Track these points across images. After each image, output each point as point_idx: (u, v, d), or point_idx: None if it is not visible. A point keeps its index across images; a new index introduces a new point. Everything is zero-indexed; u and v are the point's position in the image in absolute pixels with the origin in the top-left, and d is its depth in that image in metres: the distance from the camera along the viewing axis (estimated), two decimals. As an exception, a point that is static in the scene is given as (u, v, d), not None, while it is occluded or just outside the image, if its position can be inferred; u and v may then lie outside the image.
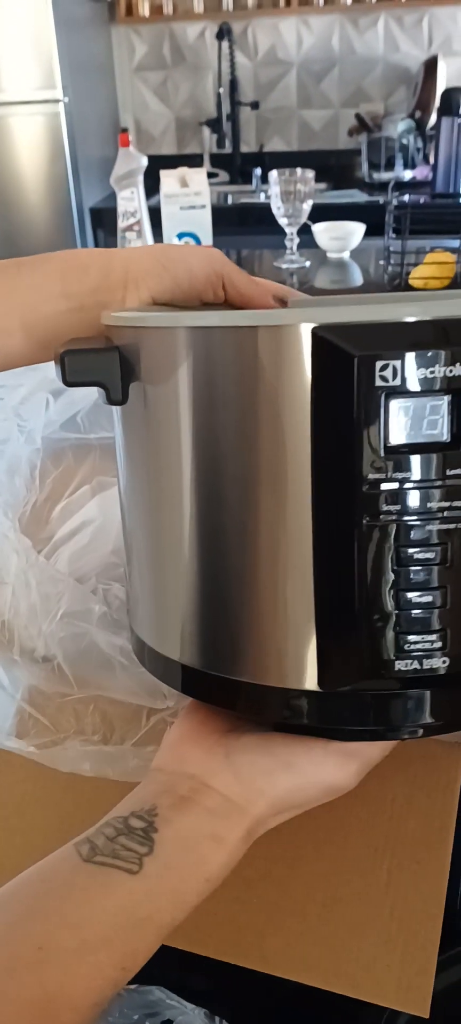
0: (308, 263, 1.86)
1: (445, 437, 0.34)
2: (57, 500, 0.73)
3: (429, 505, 0.35)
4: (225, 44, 2.75)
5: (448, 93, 2.40)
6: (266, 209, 1.91)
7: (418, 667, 0.37)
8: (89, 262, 0.48)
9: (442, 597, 0.36)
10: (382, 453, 0.34)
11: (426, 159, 2.74)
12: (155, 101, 3.12)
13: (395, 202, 1.65)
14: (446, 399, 0.33)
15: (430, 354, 0.33)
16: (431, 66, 2.66)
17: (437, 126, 2.40)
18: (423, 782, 0.51)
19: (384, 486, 0.34)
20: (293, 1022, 0.58)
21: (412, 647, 0.36)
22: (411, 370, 0.33)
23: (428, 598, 0.36)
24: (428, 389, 0.33)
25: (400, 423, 0.34)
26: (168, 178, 1.84)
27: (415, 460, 0.34)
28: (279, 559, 0.37)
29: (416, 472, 0.34)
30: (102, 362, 0.40)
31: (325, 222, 1.88)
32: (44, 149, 2.52)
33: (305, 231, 1.86)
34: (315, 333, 0.33)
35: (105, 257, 0.48)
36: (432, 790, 0.51)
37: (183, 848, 0.37)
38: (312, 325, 0.33)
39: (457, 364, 0.33)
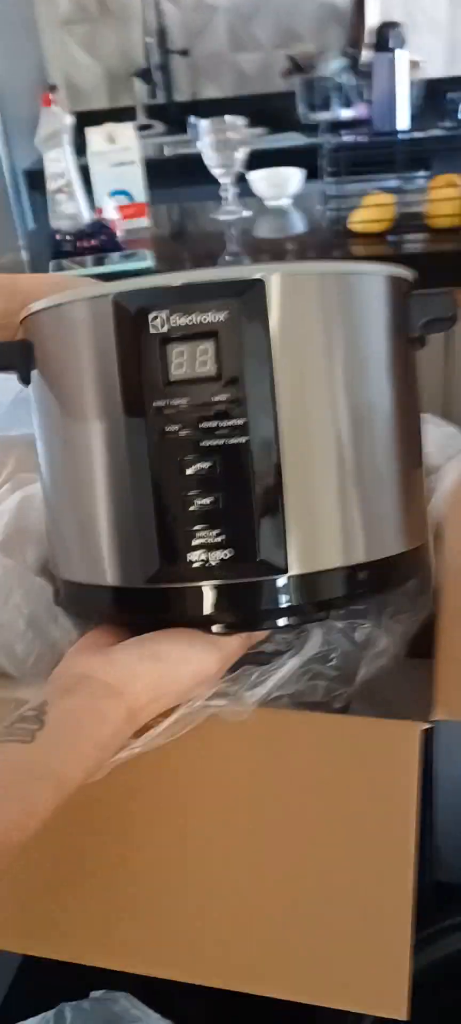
0: (247, 213, 1.80)
1: (211, 372, 0.44)
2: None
3: (201, 425, 0.45)
4: (150, -10, 2.64)
5: (380, 28, 2.34)
6: (203, 159, 1.84)
7: (205, 559, 0.45)
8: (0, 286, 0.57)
9: (219, 499, 0.45)
10: (162, 385, 0.45)
11: (362, 97, 2.67)
12: (83, 55, 2.99)
13: (330, 144, 1.59)
14: (206, 343, 0.44)
15: (189, 307, 0.44)
16: (360, 2, 2.59)
17: (371, 63, 2.34)
18: (380, 766, 0.48)
19: (166, 411, 0.45)
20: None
21: (199, 542, 0.45)
22: (173, 320, 0.44)
23: (207, 500, 0.45)
24: (189, 335, 0.44)
25: (172, 361, 0.44)
26: (95, 135, 1.76)
27: (185, 389, 0.45)
28: (112, 475, 0.48)
29: (188, 399, 0.45)
30: (12, 352, 0.51)
31: (261, 170, 1.81)
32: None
33: (242, 180, 1.80)
34: (114, 300, 0.45)
35: (10, 284, 0.58)
36: (390, 774, 0.48)
37: (69, 721, 0.44)
38: (112, 294, 0.45)
39: (211, 313, 0.44)
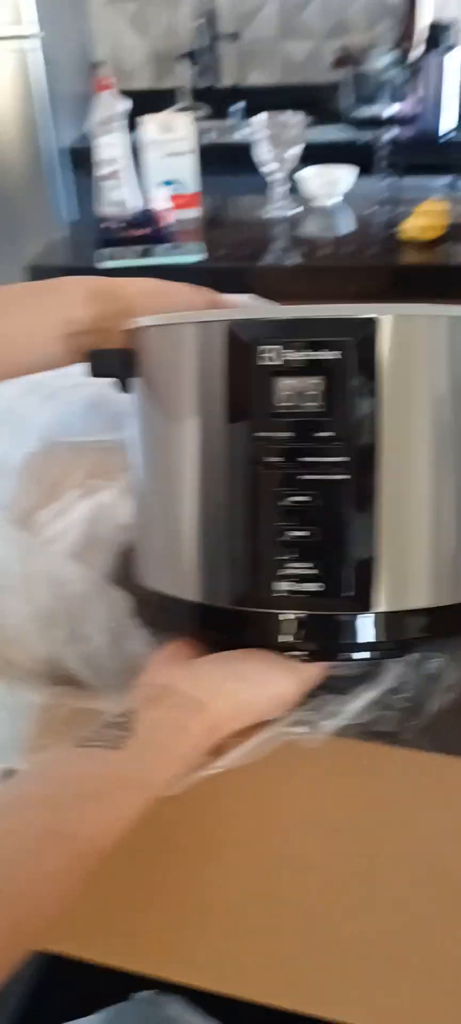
0: (299, 209, 1.80)
1: (319, 407, 0.45)
2: (47, 503, 0.70)
3: (302, 459, 0.46)
4: (203, -28, 2.62)
5: (435, 25, 2.31)
6: (248, 147, 1.84)
7: (293, 589, 0.47)
8: (100, 291, 0.58)
9: (315, 533, 0.46)
10: (267, 416, 0.46)
11: (411, 93, 2.65)
12: (130, 33, 2.98)
13: (385, 140, 1.58)
14: (315, 379, 0.45)
15: (296, 343, 0.45)
16: (415, -4, 2.56)
17: (424, 59, 2.32)
18: (456, 804, 0.50)
19: (269, 442, 0.46)
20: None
21: (288, 572, 0.47)
22: (284, 355, 0.45)
23: (303, 532, 0.46)
24: (299, 369, 0.45)
25: (280, 394, 0.46)
26: (150, 123, 1.76)
27: (290, 422, 0.46)
28: (208, 494, 0.49)
29: (291, 432, 0.46)
30: (115, 360, 0.54)
31: (313, 167, 1.81)
32: (14, 88, 2.40)
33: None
34: (230, 328, 0.47)
35: (111, 289, 0.59)
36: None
37: (156, 731, 0.45)
38: (228, 322, 0.47)
39: (324, 350, 0.45)
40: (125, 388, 0.54)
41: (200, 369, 0.49)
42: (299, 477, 0.46)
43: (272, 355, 0.45)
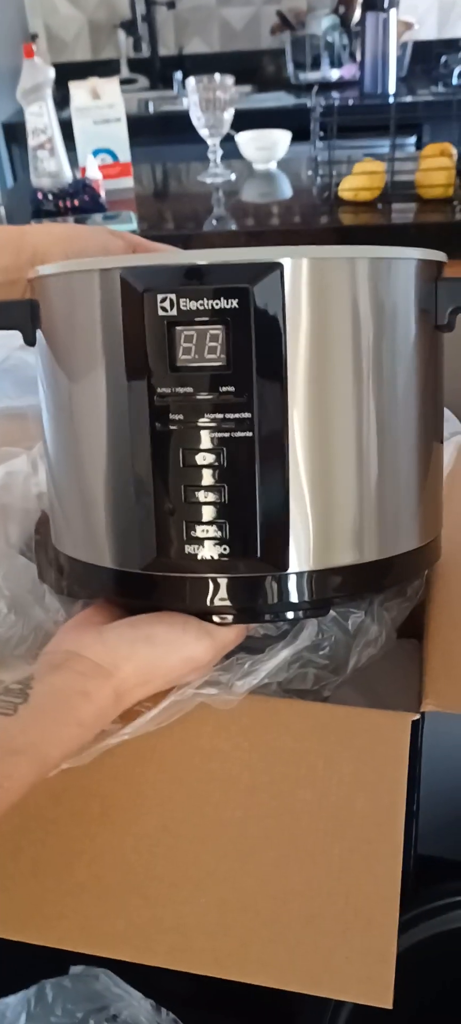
0: (233, 176, 1.77)
1: (220, 360, 0.42)
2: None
3: (206, 416, 0.43)
4: None
5: (373, -14, 2.29)
6: (189, 116, 1.81)
7: (203, 552, 0.44)
8: (6, 240, 0.55)
9: (220, 494, 0.43)
10: (168, 371, 0.42)
11: (352, 57, 2.63)
12: (65, 4, 2.91)
13: (321, 106, 1.56)
14: (215, 329, 0.41)
15: (195, 289, 0.41)
16: (353, -44, 2.54)
17: (362, 21, 2.30)
18: (370, 756, 0.48)
19: (170, 399, 0.43)
20: (239, 1003, 0.56)
21: (198, 535, 0.44)
22: (184, 303, 0.41)
23: (210, 495, 0.44)
24: (197, 319, 0.41)
25: (179, 346, 0.42)
26: (78, 90, 1.72)
27: (194, 378, 0.42)
28: (113, 454, 0.46)
29: (194, 388, 0.43)
30: (18, 311, 0.50)
31: (250, 131, 1.78)
32: None
33: (229, 139, 1.77)
34: (121, 276, 0.43)
35: (18, 237, 0.55)
36: (379, 764, 0.48)
37: (54, 698, 0.43)
38: (120, 268, 0.43)
39: (222, 299, 0.41)
40: (29, 340, 0.51)
41: (98, 321, 0.45)
42: (201, 435, 0.43)
43: (166, 304, 0.42)
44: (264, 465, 0.43)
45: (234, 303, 0.41)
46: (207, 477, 0.44)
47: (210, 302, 0.41)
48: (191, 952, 0.45)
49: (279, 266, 0.41)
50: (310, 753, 0.49)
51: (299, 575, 0.45)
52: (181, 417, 0.43)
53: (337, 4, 2.63)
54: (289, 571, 0.45)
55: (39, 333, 0.50)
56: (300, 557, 0.45)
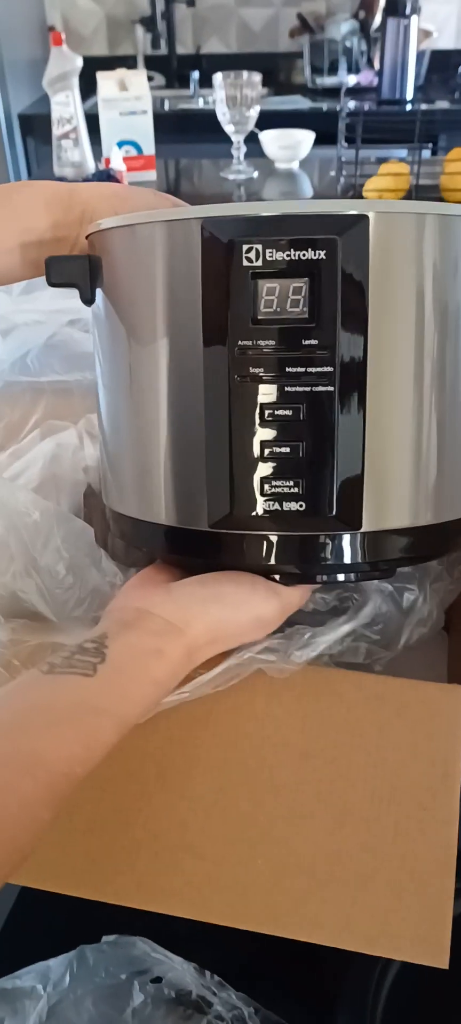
0: (256, 173, 1.78)
1: (303, 313, 0.41)
2: (4, 444, 0.68)
3: (287, 369, 0.42)
4: None
5: (394, -8, 2.31)
6: (206, 115, 1.82)
7: (278, 508, 0.44)
8: (56, 197, 0.54)
9: (298, 450, 0.43)
10: (249, 323, 0.42)
11: (370, 63, 2.65)
12: (84, -3, 2.92)
13: (346, 109, 1.58)
14: (303, 282, 0.41)
15: (284, 241, 0.41)
16: (375, -37, 2.56)
17: (382, 28, 2.32)
18: (424, 727, 0.49)
19: (251, 351, 0.42)
20: (277, 972, 0.57)
21: (273, 491, 0.44)
22: (270, 253, 0.41)
23: (287, 450, 0.43)
24: (282, 271, 0.41)
25: (262, 298, 0.42)
26: (106, 81, 1.73)
27: (276, 331, 0.42)
28: (184, 411, 0.45)
29: (275, 340, 0.42)
30: (75, 267, 0.49)
31: (273, 130, 1.80)
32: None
33: (249, 139, 1.78)
34: (203, 226, 0.42)
35: (67, 194, 0.54)
36: (434, 735, 0.49)
37: (130, 656, 0.43)
38: (201, 218, 0.42)
39: (309, 250, 0.40)
40: (87, 298, 0.50)
41: (171, 274, 0.44)
42: (281, 389, 0.42)
43: (252, 255, 0.41)
44: (344, 421, 0.43)
45: (321, 254, 0.41)
46: (286, 432, 0.43)
47: (297, 252, 0.41)
48: (247, 910, 0.46)
49: (365, 219, 0.41)
50: (363, 722, 0.50)
51: (367, 535, 0.45)
52: (261, 371, 0.42)
53: (358, 9, 2.65)
54: (358, 530, 0.45)
55: (99, 291, 0.49)
56: (368, 517, 0.45)
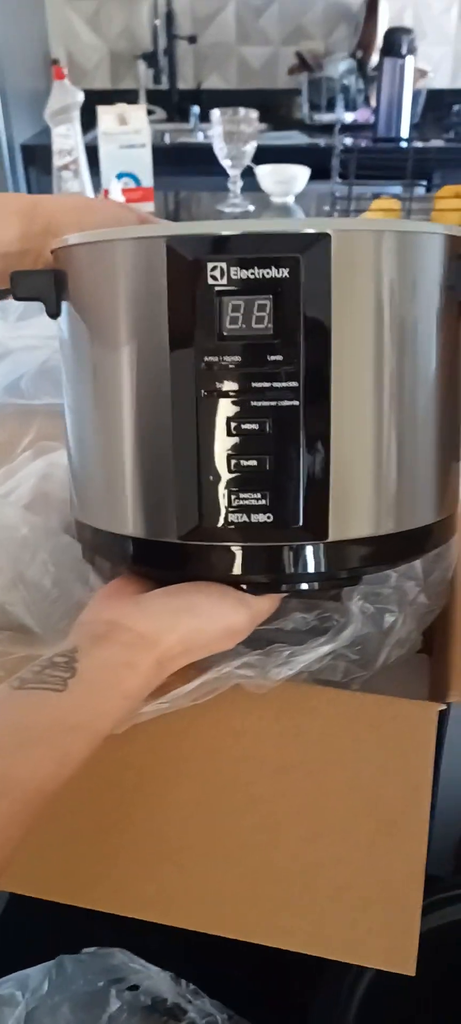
0: (252, 207, 1.82)
1: (267, 330, 0.43)
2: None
3: (253, 385, 0.43)
4: (161, -27, 2.65)
5: (391, 33, 2.37)
6: (205, 149, 1.86)
7: (245, 520, 0.45)
8: (21, 209, 0.54)
9: (265, 462, 0.44)
10: (215, 340, 0.43)
11: (367, 101, 2.70)
12: (87, 32, 2.98)
13: (341, 146, 1.62)
14: (267, 299, 0.42)
15: (248, 259, 0.42)
16: (373, 4, 2.62)
17: (379, 67, 2.37)
18: (397, 743, 0.51)
19: (217, 368, 0.43)
20: (251, 980, 0.58)
21: (240, 503, 0.45)
22: (234, 272, 0.42)
23: (254, 463, 0.44)
24: (247, 288, 0.42)
25: (227, 315, 0.43)
26: (106, 115, 1.77)
27: (241, 347, 0.43)
28: (151, 426, 0.47)
29: (242, 357, 0.43)
30: (41, 281, 0.49)
31: (269, 164, 1.83)
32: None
33: (247, 173, 1.82)
34: (168, 244, 0.43)
35: (31, 207, 0.55)
36: (406, 751, 0.50)
37: (101, 670, 0.44)
38: (166, 236, 0.43)
39: (272, 268, 0.42)
40: (53, 312, 0.50)
41: (136, 290, 0.45)
42: (247, 404, 0.44)
43: (217, 273, 0.42)
44: (309, 434, 0.44)
45: (284, 272, 0.42)
46: (252, 445, 0.44)
47: (261, 271, 0.42)
48: (222, 917, 0.47)
49: (327, 237, 0.42)
50: (340, 737, 0.51)
51: (331, 545, 0.46)
52: (227, 386, 0.44)
53: (355, 48, 2.71)
54: (324, 539, 0.46)
55: (65, 304, 0.50)
56: (337, 527, 0.46)
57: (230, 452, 0.45)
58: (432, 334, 0.48)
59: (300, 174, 1.81)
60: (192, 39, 2.87)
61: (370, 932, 0.45)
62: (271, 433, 0.44)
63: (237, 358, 0.44)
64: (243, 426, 0.44)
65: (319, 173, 1.89)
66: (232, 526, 0.46)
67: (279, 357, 0.43)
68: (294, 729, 0.51)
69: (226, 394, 0.44)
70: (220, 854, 0.48)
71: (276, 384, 0.43)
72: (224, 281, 0.42)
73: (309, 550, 0.47)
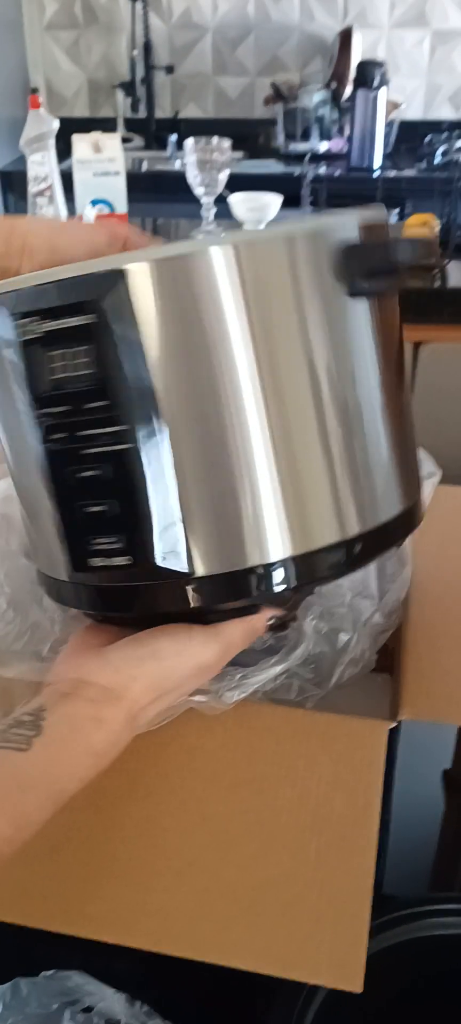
0: (224, 234, 1.84)
1: (90, 375, 0.41)
2: None
3: (80, 433, 0.43)
4: (139, 5, 2.68)
5: (363, 65, 2.41)
6: (181, 177, 1.88)
7: (107, 563, 0.44)
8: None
9: (113, 506, 0.44)
10: (41, 393, 0.43)
11: (341, 131, 2.75)
12: (67, 61, 3.01)
13: (311, 175, 1.64)
14: (82, 346, 0.41)
15: (55, 308, 0.41)
16: (346, 37, 2.66)
17: (352, 98, 2.41)
18: (347, 760, 0.51)
19: (48, 421, 0.43)
20: (213, 1000, 0.58)
21: (97, 547, 0.44)
22: (48, 324, 0.41)
23: (101, 508, 0.44)
24: (64, 338, 0.41)
25: (50, 366, 0.42)
26: (81, 143, 1.78)
27: (68, 396, 0.42)
28: (31, 480, 0.47)
29: (66, 407, 0.43)
30: None
31: (241, 192, 1.85)
32: None
33: (221, 201, 1.84)
34: None
35: (8, 227, 0.54)
36: (356, 767, 0.51)
37: (68, 728, 0.43)
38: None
39: (78, 315, 0.40)
40: None
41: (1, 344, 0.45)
42: (84, 452, 0.43)
43: (33, 327, 0.42)
44: (149, 473, 0.42)
45: (92, 317, 0.41)
46: (97, 491, 0.44)
47: (68, 319, 0.41)
48: (172, 936, 0.47)
49: (123, 272, 0.40)
50: (291, 755, 0.52)
51: (200, 578, 0.44)
52: (63, 435, 0.43)
53: (329, 79, 2.75)
54: (192, 577, 0.44)
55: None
56: (201, 561, 0.44)
57: (78, 500, 0.44)
58: (322, 336, 0.44)
59: (273, 202, 1.83)
60: (170, 69, 2.90)
61: (319, 948, 0.46)
62: (113, 478, 0.43)
63: (66, 407, 0.43)
64: (85, 474, 0.44)
65: (293, 201, 1.91)
66: (96, 568, 0.45)
67: (104, 402, 0.42)
68: (246, 747, 0.52)
69: (64, 443, 0.44)
70: (170, 872, 0.48)
71: (106, 429, 0.42)
72: (39, 333, 0.42)
73: (171, 587, 0.45)
